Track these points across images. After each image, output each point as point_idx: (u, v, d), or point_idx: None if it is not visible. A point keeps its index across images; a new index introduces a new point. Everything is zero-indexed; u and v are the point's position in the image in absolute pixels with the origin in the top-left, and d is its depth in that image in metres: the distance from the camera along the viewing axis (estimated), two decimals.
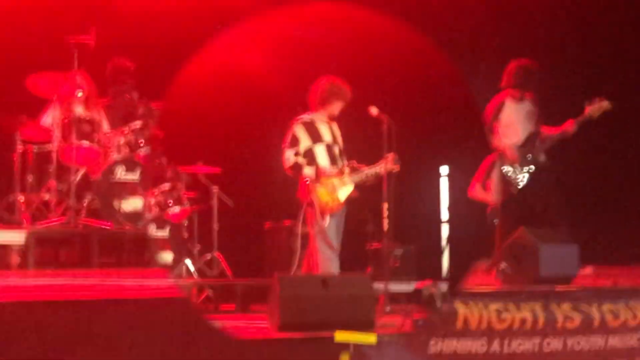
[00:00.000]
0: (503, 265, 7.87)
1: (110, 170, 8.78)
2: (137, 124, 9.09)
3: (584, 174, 9.95)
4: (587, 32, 10.20)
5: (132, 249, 8.62)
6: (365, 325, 6.60)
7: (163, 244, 9.20)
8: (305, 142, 8.25)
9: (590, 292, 7.21)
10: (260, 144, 11.51)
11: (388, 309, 7.91)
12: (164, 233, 9.26)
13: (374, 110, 8.10)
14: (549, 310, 6.88)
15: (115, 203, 8.64)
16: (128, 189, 8.81)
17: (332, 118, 8.37)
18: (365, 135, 8.59)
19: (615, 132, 9.52)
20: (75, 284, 6.07)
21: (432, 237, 12.39)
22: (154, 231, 9.09)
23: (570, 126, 8.61)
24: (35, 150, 8.87)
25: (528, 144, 8.77)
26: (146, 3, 10.76)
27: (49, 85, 8.76)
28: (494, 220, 8.92)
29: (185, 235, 10.00)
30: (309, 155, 8.26)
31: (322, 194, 8.18)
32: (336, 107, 8.31)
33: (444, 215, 12.47)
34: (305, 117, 8.35)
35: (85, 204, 8.63)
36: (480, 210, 10.26)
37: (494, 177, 8.95)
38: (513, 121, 8.84)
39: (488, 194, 9.05)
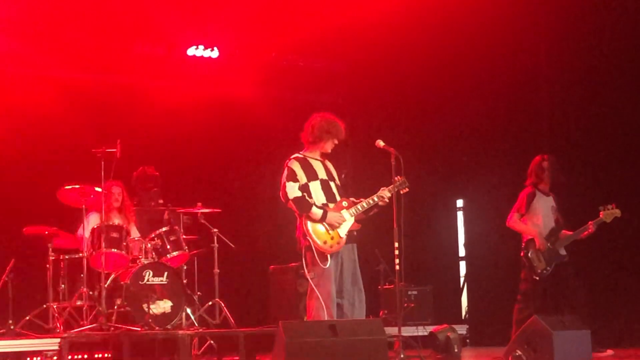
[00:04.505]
0: (518, 353, 7.94)
1: (139, 275, 8.96)
2: (163, 229, 9.48)
3: (602, 265, 10.19)
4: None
5: (163, 350, 8.91)
6: None
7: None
8: (302, 178, 7.82)
9: None
10: (259, 182, 11.49)
11: (402, 355, 7.67)
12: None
13: (380, 143, 7.90)
14: None
15: (145, 306, 8.80)
16: (157, 292, 8.97)
17: (325, 155, 8.02)
18: (377, 169, 8.66)
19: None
20: None
21: (450, 275, 11.93)
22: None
23: (590, 228, 9.02)
24: (66, 259, 9.25)
25: (551, 237, 9.14)
26: (168, 118, 11.23)
27: (79, 196, 9.10)
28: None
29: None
30: (305, 192, 7.78)
31: (319, 233, 7.66)
32: (329, 145, 7.93)
33: (461, 251, 12.05)
34: (299, 154, 7.96)
35: (115, 308, 8.89)
36: (501, 246, 10.46)
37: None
38: (541, 212, 9.19)
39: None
